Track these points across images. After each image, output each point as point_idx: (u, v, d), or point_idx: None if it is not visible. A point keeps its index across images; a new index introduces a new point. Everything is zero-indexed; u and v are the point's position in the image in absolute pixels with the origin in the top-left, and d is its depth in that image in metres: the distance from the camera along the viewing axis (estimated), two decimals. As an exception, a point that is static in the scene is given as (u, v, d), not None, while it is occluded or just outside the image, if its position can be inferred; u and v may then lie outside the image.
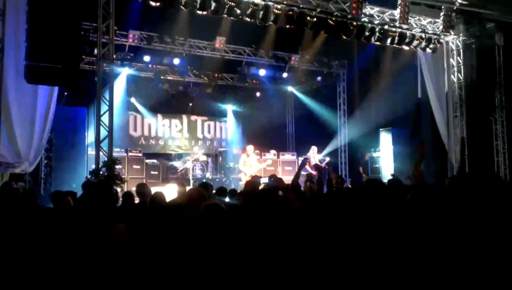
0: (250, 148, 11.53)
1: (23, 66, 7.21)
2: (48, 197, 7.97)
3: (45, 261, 3.06)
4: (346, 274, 3.08)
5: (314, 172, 11.71)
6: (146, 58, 13.33)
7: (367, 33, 10.87)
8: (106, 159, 8.65)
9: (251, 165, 11.28)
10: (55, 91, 9.01)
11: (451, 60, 12.35)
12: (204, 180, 11.92)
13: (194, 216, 3.52)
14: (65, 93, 13.13)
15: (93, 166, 8.77)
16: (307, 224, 3.56)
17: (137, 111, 15.49)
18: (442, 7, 11.13)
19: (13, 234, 3.39)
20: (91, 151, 10.11)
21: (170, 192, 8.33)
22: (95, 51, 9.37)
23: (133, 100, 14.96)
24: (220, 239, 2.90)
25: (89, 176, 8.65)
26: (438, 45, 11.70)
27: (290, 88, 16.90)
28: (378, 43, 11.28)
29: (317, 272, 3.10)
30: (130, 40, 12.37)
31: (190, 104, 16.06)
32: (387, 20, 11.00)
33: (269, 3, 9.75)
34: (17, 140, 8.40)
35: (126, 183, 9.57)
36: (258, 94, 16.59)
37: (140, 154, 12.89)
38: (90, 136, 10.84)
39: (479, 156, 11.69)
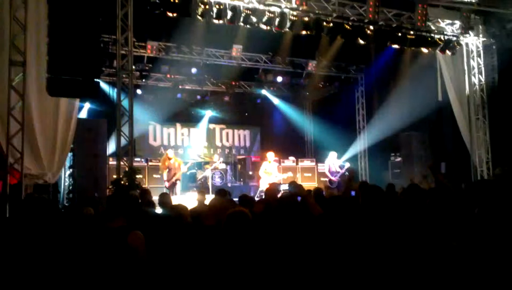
0: (270, 155, 11.47)
1: (45, 79, 7.35)
2: (71, 207, 8.09)
3: (62, 268, 3.09)
4: (367, 280, 3.03)
5: (334, 179, 11.65)
6: (164, 69, 13.53)
7: (384, 37, 10.79)
8: (126, 169, 8.74)
9: (271, 173, 11.24)
10: (76, 103, 9.16)
11: (471, 61, 12.14)
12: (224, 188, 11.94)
13: (213, 225, 3.53)
14: (86, 105, 13.41)
15: (115, 176, 8.87)
16: (328, 232, 3.52)
17: (156, 121, 15.65)
18: (461, 8, 10.98)
19: (33, 242, 3.44)
20: (112, 161, 10.27)
21: (189, 200, 8.38)
22: (115, 63, 9.52)
23: (152, 110, 15.14)
24: (246, 247, 2.88)
25: (110, 186, 8.77)
26: (458, 46, 11.53)
27: (308, 94, 16.84)
28: (396, 46, 11.17)
29: (338, 279, 3.06)
30: (149, 51, 12.56)
31: (208, 113, 16.18)
32: (405, 23, 10.90)
33: (285, 10, 9.77)
34: (40, 152, 8.54)
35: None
36: (275, 101, 16.60)
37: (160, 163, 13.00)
38: (111, 147, 10.98)
39: (502, 158, 11.44)
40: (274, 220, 3.48)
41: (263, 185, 10.86)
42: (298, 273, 3.00)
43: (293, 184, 4.23)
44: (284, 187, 7.56)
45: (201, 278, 2.83)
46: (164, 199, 5.24)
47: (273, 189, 4.34)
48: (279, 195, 4.45)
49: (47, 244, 3.29)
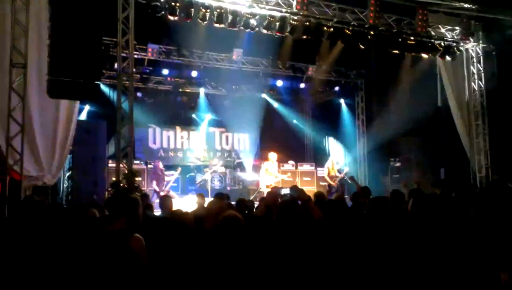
0: (273, 155, 11.43)
1: (46, 81, 7.34)
2: (71, 209, 8.06)
3: (62, 270, 3.08)
4: (366, 285, 3.03)
5: (333, 183, 11.65)
6: (165, 72, 13.56)
7: (384, 42, 10.81)
8: (126, 171, 8.73)
9: (272, 174, 11.21)
10: (76, 105, 9.16)
11: (471, 67, 12.17)
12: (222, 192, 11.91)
13: (212, 228, 3.53)
14: (85, 107, 13.41)
15: (114, 179, 8.86)
16: (328, 236, 3.52)
17: (156, 123, 15.65)
18: (461, 14, 11.02)
19: (37, 245, 3.43)
20: (112, 164, 10.25)
21: (189, 203, 8.36)
22: (115, 65, 9.53)
23: (152, 112, 15.12)
24: (237, 250, 2.88)
25: (109, 189, 8.76)
26: (458, 52, 11.56)
27: (308, 99, 16.85)
28: (396, 51, 11.19)
29: (336, 284, 3.05)
30: (149, 54, 12.57)
31: (208, 116, 16.19)
32: (405, 28, 10.93)
33: (286, 14, 9.79)
34: (40, 153, 8.52)
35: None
36: (275, 105, 16.62)
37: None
38: (110, 149, 10.97)
39: (501, 165, 11.47)
40: (275, 224, 3.48)
41: (263, 186, 10.85)
42: (297, 276, 3.00)
43: (294, 188, 4.23)
44: (285, 191, 7.55)
45: (197, 281, 2.83)
46: (166, 203, 5.22)
47: (274, 193, 4.35)
48: (279, 200, 4.45)
49: (47, 246, 3.28)
